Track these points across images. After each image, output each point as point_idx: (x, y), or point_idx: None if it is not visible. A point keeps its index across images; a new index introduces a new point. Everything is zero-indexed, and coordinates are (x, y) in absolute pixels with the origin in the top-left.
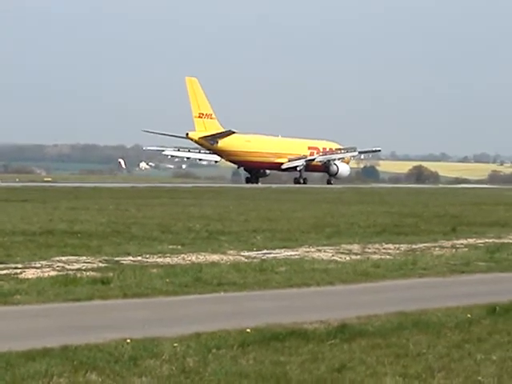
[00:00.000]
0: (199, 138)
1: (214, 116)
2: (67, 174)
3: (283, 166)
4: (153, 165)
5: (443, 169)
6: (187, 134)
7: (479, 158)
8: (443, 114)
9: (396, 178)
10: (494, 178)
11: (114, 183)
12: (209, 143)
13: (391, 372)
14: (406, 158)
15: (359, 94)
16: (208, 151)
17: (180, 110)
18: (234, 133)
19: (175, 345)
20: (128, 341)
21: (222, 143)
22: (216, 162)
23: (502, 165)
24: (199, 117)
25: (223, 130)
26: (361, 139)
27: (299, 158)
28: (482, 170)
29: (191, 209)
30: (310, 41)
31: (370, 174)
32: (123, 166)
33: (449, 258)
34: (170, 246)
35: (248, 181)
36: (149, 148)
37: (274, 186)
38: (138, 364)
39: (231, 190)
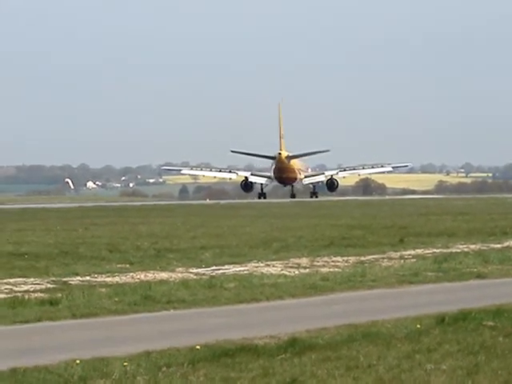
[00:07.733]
0: (285, 156)
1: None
2: (13, 196)
3: (304, 182)
4: (100, 184)
5: (390, 180)
6: (280, 154)
7: (426, 169)
8: (386, 125)
9: (343, 191)
10: (440, 188)
11: (61, 203)
12: (287, 161)
13: None
14: None
15: None
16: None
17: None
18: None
19: (125, 364)
20: (77, 361)
21: (292, 162)
22: (230, 179)
23: (448, 175)
24: (282, 137)
25: (320, 150)
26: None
27: (317, 174)
28: (429, 181)
29: (139, 227)
30: None
31: (316, 187)
32: (71, 185)
33: (397, 269)
34: (119, 265)
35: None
36: (165, 168)
37: (221, 202)
38: None
39: (179, 208)
